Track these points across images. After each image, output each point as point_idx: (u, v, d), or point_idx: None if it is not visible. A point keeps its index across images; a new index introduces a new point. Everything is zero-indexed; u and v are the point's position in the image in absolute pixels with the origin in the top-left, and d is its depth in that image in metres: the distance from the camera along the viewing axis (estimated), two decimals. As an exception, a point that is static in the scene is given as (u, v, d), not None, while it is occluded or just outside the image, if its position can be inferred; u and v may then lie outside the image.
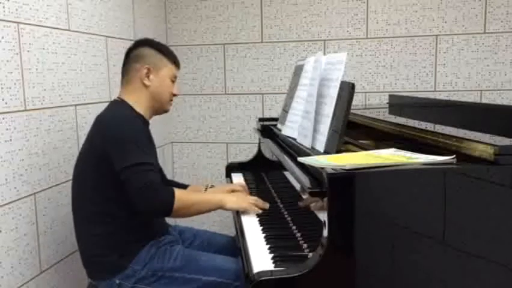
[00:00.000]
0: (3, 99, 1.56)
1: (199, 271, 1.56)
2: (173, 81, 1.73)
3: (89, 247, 1.61)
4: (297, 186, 1.53)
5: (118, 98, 1.69)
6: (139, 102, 1.66)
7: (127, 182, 1.47)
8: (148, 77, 1.66)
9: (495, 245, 1.13)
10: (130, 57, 1.70)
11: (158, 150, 1.84)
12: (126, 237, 1.56)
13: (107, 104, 1.70)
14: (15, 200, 1.62)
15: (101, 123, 1.59)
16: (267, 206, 1.69)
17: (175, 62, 1.74)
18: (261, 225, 1.55)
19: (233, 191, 1.90)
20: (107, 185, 1.53)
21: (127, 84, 1.69)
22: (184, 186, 1.97)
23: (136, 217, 1.56)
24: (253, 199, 1.71)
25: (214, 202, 1.64)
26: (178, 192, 1.53)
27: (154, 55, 1.69)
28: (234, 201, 1.67)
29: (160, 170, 1.88)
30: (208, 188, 1.95)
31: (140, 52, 1.69)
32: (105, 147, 1.51)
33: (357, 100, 2.75)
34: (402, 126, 1.49)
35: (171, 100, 1.75)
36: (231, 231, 1.77)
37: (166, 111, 1.78)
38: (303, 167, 1.34)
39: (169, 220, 1.79)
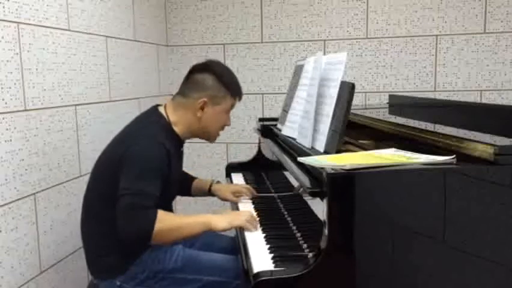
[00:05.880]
0: (3, 99, 1.56)
1: (200, 271, 1.55)
2: (227, 113, 1.69)
3: (93, 245, 1.60)
4: (296, 185, 1.53)
5: (163, 108, 1.64)
6: (182, 126, 1.63)
7: (117, 200, 1.42)
8: (202, 109, 1.61)
9: (495, 245, 1.13)
10: (193, 79, 1.65)
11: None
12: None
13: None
14: (15, 200, 1.62)
15: (127, 138, 1.56)
16: (258, 226, 1.55)
17: (237, 96, 1.70)
18: (261, 225, 1.55)
19: (238, 191, 1.90)
20: (116, 192, 1.49)
21: (180, 107, 1.64)
22: (191, 179, 1.98)
23: None
24: (248, 215, 1.56)
25: (199, 226, 1.49)
26: (161, 216, 1.41)
27: (217, 88, 1.63)
28: (226, 221, 1.52)
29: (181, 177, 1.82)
30: (213, 184, 1.95)
31: (204, 81, 1.63)
32: (120, 162, 1.48)
33: (357, 100, 2.75)
34: (402, 126, 1.49)
35: (220, 131, 1.72)
36: (231, 232, 1.77)
37: (210, 141, 1.74)
38: (303, 167, 1.34)
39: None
